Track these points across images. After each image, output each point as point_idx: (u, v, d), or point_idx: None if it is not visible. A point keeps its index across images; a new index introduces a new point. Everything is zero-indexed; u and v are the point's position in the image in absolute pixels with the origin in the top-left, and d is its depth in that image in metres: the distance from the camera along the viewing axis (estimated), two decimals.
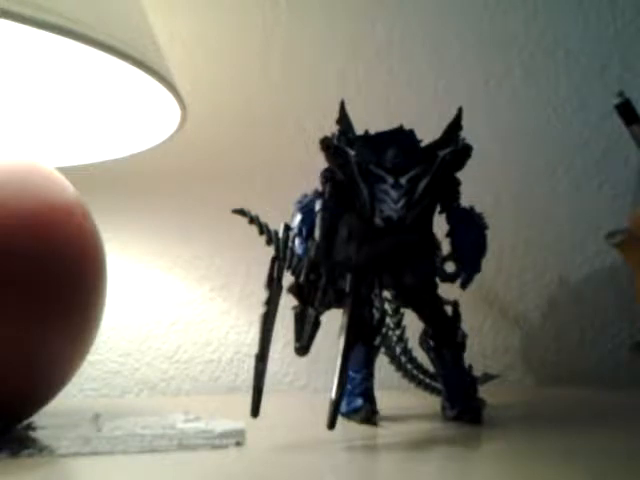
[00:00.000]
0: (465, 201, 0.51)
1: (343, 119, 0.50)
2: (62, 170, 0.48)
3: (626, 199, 0.79)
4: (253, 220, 0.45)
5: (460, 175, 0.50)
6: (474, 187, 0.52)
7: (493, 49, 0.80)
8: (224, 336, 0.72)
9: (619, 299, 0.77)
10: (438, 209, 0.51)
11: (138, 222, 0.72)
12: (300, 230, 0.49)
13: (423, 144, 0.50)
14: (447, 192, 0.50)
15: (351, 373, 0.49)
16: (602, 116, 0.78)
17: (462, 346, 0.50)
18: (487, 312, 0.76)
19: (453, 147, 0.49)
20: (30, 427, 0.44)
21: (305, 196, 0.50)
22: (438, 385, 0.56)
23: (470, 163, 0.49)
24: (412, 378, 0.59)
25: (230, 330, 0.72)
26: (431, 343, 0.51)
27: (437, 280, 0.50)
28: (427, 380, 0.59)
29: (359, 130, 0.50)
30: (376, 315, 0.51)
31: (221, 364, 0.71)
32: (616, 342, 0.77)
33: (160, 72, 0.49)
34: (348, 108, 0.51)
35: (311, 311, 0.44)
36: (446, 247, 0.50)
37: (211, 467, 0.37)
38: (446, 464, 0.38)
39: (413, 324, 0.53)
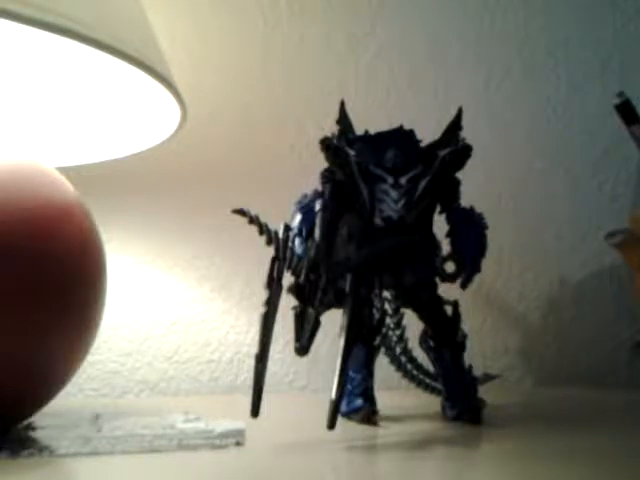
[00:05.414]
0: (465, 201, 0.51)
1: (343, 119, 0.50)
2: (62, 170, 0.48)
3: (626, 199, 0.79)
4: (253, 220, 0.44)
5: (460, 175, 0.50)
6: (474, 187, 0.52)
7: (493, 49, 0.80)
8: (224, 336, 0.72)
9: (619, 299, 0.77)
10: (438, 209, 0.51)
11: (138, 222, 0.72)
12: (300, 230, 0.49)
13: (423, 144, 0.50)
14: (447, 192, 0.50)
15: (351, 373, 0.49)
16: (602, 116, 0.78)
17: (462, 346, 0.50)
18: (487, 312, 0.76)
19: (453, 147, 0.49)
20: (30, 427, 0.44)
21: (305, 196, 0.50)
22: (438, 385, 0.56)
23: (470, 163, 0.49)
24: (412, 378, 0.59)
25: (230, 330, 0.72)
26: (431, 343, 0.51)
27: (437, 280, 0.50)
28: (427, 380, 0.59)
29: (359, 130, 0.50)
30: (376, 315, 0.51)
31: (221, 364, 0.71)
32: (616, 342, 0.77)
33: (160, 72, 0.49)
34: (348, 108, 0.51)
35: (311, 311, 0.44)
36: (446, 247, 0.50)
37: (211, 467, 0.37)
38: (446, 464, 0.38)
39: (413, 324, 0.53)
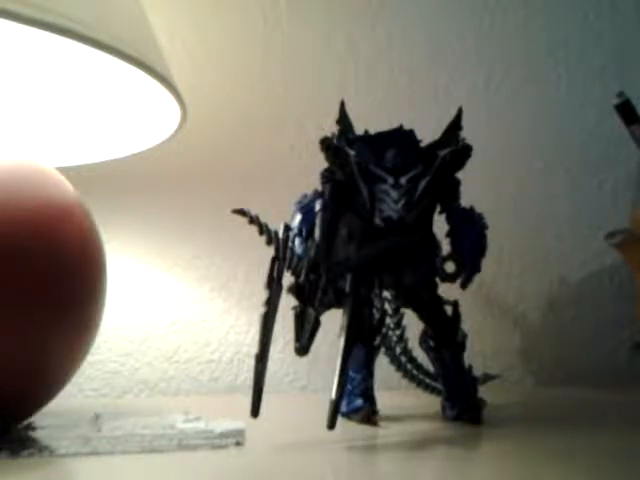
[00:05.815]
0: (465, 201, 0.51)
1: (343, 119, 0.50)
2: (62, 170, 0.48)
3: (626, 199, 0.79)
4: (253, 220, 0.45)
5: (460, 175, 0.50)
6: (474, 187, 0.52)
7: (493, 49, 0.80)
8: (224, 336, 0.72)
9: (619, 299, 0.77)
10: (438, 209, 0.51)
11: (138, 222, 0.72)
12: (300, 230, 0.49)
13: (423, 144, 0.50)
14: (447, 192, 0.50)
15: (351, 373, 0.49)
16: (602, 116, 0.78)
17: (462, 346, 0.50)
18: (487, 312, 0.76)
19: (453, 147, 0.49)
20: (30, 427, 0.44)
21: (305, 196, 0.50)
22: (438, 385, 0.56)
23: (470, 163, 0.49)
24: (412, 378, 0.59)
25: (230, 330, 0.72)
26: (431, 343, 0.51)
27: (437, 280, 0.50)
28: (427, 380, 0.59)
29: (359, 130, 0.50)
30: (376, 315, 0.51)
31: (221, 364, 0.71)
32: (616, 342, 0.77)
33: (160, 72, 0.49)
34: (348, 108, 0.51)
35: (311, 311, 0.45)
36: (446, 247, 0.50)
37: (211, 467, 0.37)
38: (446, 464, 0.38)
39: (413, 324, 0.53)
